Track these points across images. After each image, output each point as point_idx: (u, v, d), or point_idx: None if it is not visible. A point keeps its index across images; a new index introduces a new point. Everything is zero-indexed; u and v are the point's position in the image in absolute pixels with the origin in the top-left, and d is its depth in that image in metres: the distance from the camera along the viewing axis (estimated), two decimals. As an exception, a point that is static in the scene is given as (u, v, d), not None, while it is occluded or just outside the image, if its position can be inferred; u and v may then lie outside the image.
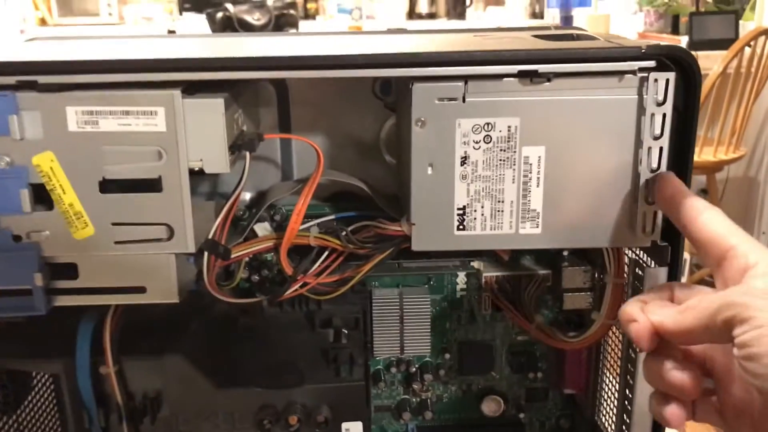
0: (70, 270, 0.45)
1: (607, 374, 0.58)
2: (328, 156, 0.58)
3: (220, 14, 2.44)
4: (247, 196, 0.58)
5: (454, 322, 0.63)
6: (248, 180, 0.58)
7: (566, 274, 0.57)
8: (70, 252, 0.44)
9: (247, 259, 0.58)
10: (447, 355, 0.63)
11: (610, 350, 0.57)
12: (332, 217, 0.55)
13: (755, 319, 0.33)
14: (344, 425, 0.48)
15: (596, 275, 0.57)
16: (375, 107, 0.57)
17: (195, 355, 0.48)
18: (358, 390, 0.48)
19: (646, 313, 0.38)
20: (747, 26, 2.21)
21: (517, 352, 0.63)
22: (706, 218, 0.39)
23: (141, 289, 0.45)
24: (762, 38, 1.89)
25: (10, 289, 0.45)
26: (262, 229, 0.55)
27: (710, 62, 2.00)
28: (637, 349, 0.47)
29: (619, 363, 0.53)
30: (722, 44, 2.00)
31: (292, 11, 2.36)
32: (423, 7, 3.35)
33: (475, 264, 0.59)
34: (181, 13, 2.90)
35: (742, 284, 0.35)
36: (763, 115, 2.22)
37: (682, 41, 2.17)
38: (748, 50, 1.89)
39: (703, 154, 1.96)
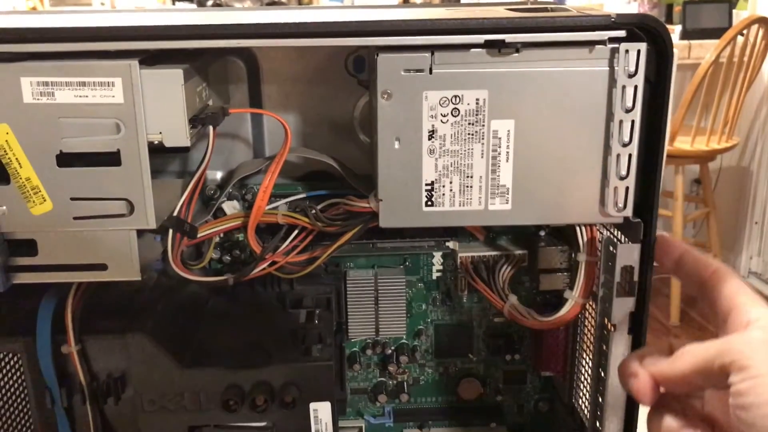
0: (29, 247, 0.44)
1: (584, 356, 0.57)
2: (301, 135, 0.57)
3: (210, 2, 2.42)
4: (218, 174, 0.57)
5: (430, 304, 0.62)
6: (219, 158, 0.57)
7: (542, 254, 0.56)
8: (28, 228, 0.43)
9: (217, 239, 0.57)
10: (423, 338, 0.62)
11: (586, 332, 0.56)
12: (303, 195, 0.54)
13: (752, 369, 0.33)
14: (312, 405, 0.47)
15: (573, 255, 0.56)
16: (349, 85, 0.55)
17: (160, 334, 0.47)
18: (326, 370, 0.47)
19: (645, 366, 0.39)
20: (741, 15, 2.20)
21: (494, 334, 0.62)
22: (717, 277, 0.39)
23: (102, 267, 0.44)
24: (755, 27, 1.88)
25: (-33, 266, 0.44)
26: (231, 207, 0.54)
27: (703, 51, 1.99)
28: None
29: (593, 346, 0.52)
30: (716, 33, 1.99)
31: (283, 0, 2.35)
32: (417, -5, 3.32)
33: (451, 244, 0.58)
34: (174, 3, 2.88)
35: (742, 333, 0.36)
36: (756, 104, 2.21)
37: (676, 30, 2.15)
38: (741, 39, 1.88)
39: (695, 144, 1.95)
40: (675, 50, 0.42)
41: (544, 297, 0.60)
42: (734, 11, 2.22)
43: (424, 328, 0.62)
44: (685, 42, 2.04)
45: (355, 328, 0.59)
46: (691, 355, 0.37)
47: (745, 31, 1.87)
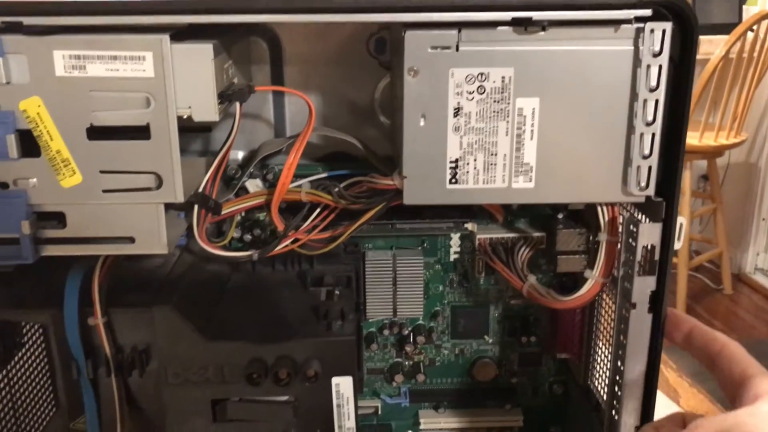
0: (57, 219, 0.45)
1: (601, 339, 0.58)
2: (322, 116, 0.58)
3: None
4: (239, 155, 0.58)
5: (447, 286, 0.62)
6: (241, 139, 0.58)
7: (561, 237, 0.57)
8: (57, 200, 0.44)
9: (239, 218, 0.58)
10: (440, 319, 0.63)
11: (603, 313, 0.56)
12: (324, 175, 0.55)
13: None
14: (334, 380, 0.48)
15: (590, 237, 0.56)
16: (370, 66, 0.56)
17: (185, 308, 0.47)
18: (348, 345, 0.48)
19: None
20: (751, 11, 2.19)
21: (510, 316, 0.63)
22: (727, 353, 0.41)
23: (130, 240, 0.45)
24: (765, 22, 1.88)
25: (-2, 237, 0.44)
26: (254, 185, 0.54)
27: (713, 47, 1.99)
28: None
29: (612, 329, 0.52)
30: (725, 29, 1.98)
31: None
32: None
33: (469, 226, 0.59)
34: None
35: (751, 406, 0.37)
36: (765, 100, 2.21)
37: (685, 25, 2.15)
38: (750, 35, 1.88)
39: (704, 139, 1.95)
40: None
41: (561, 280, 0.60)
42: (744, 7, 2.21)
43: (441, 309, 0.63)
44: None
45: (373, 308, 0.59)
46: (704, 429, 0.38)
47: (755, 27, 1.87)
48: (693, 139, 1.96)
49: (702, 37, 2.06)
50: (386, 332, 0.62)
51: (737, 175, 2.32)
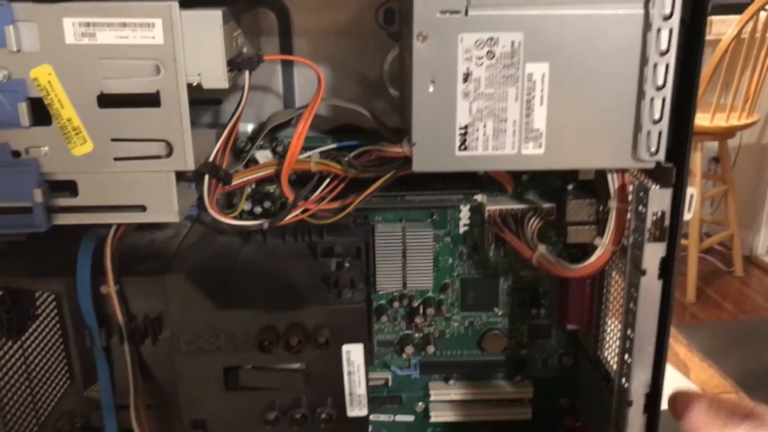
0: (69, 187, 0.45)
1: (611, 309, 0.58)
2: (331, 88, 0.58)
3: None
4: (248, 127, 0.58)
5: (457, 258, 0.62)
6: (250, 111, 0.58)
7: (571, 207, 0.57)
8: (69, 168, 0.44)
9: (249, 190, 0.58)
10: (449, 291, 0.63)
11: (613, 283, 0.56)
12: (333, 146, 0.55)
13: None
14: (345, 347, 0.48)
15: (600, 208, 0.56)
16: (379, 38, 0.56)
17: (197, 277, 0.48)
18: (359, 312, 0.48)
19: None
20: (763, -10, 2.16)
21: (520, 288, 0.63)
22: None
23: (141, 208, 0.45)
24: (778, 1, 1.85)
25: (10, 206, 0.45)
26: (264, 156, 0.55)
27: (725, 27, 1.97)
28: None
29: (621, 298, 0.52)
30: (737, 9, 1.96)
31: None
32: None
33: (479, 197, 0.59)
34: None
35: None
36: (778, 80, 2.18)
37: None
38: (763, 14, 1.86)
39: (715, 120, 1.94)
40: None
41: (571, 251, 0.60)
42: (757, -14, 2.18)
43: (451, 282, 0.63)
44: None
45: (383, 280, 0.60)
46: None
47: (767, 7, 1.84)
48: (704, 120, 1.94)
49: (714, 17, 2.04)
50: (396, 304, 0.63)
51: (749, 156, 2.30)
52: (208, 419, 0.50)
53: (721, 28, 2.00)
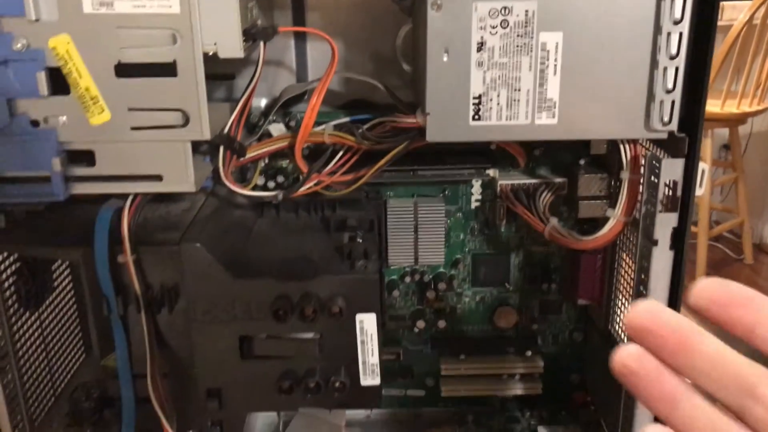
0: (87, 157, 0.46)
1: (621, 283, 0.58)
2: (344, 63, 0.58)
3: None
4: (262, 102, 0.58)
5: (468, 234, 0.63)
6: (263, 86, 0.58)
7: (582, 182, 0.57)
8: (87, 138, 0.45)
9: (262, 164, 0.59)
10: (461, 266, 0.63)
11: (624, 257, 0.57)
12: (347, 119, 0.55)
13: None
14: (358, 316, 0.49)
15: (612, 182, 0.56)
16: (391, 13, 0.56)
17: (212, 247, 0.48)
18: (372, 282, 0.48)
19: None
20: (775, -24, 2.14)
21: (531, 263, 0.63)
22: None
23: (157, 178, 0.46)
24: (791, -14, 1.83)
25: (29, 175, 0.45)
26: (277, 129, 0.55)
27: (736, 12, 1.95)
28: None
29: (632, 272, 0.52)
30: (749, -6, 1.94)
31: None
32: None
33: (491, 172, 0.59)
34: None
35: None
36: (790, 67, 2.17)
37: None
38: (775, -1, 1.84)
39: (726, 107, 1.93)
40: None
41: (582, 227, 0.60)
42: (769, -28, 2.16)
43: (462, 257, 0.63)
44: (718, 3, 2.00)
45: (395, 255, 0.60)
46: None
47: (780, -9, 1.83)
48: (715, 106, 1.93)
49: (725, 3, 2.02)
50: (408, 279, 0.63)
51: (760, 144, 2.28)
52: (223, 388, 0.51)
53: (733, 13, 1.98)
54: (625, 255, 0.57)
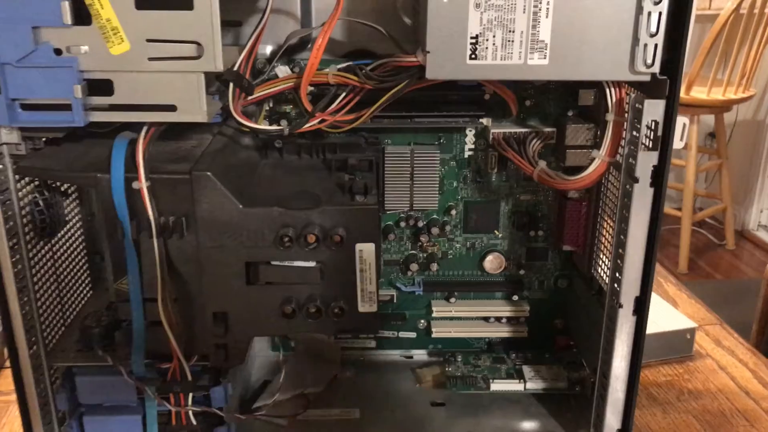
0: (105, 86, 0.48)
1: (605, 227, 0.61)
2: (346, 11, 0.60)
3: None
4: (267, 49, 0.61)
5: (461, 182, 0.66)
6: (268, 34, 0.61)
7: (570, 131, 0.60)
8: (106, 67, 0.47)
9: (267, 108, 0.62)
10: (453, 213, 0.67)
11: (607, 201, 0.60)
12: (350, 63, 0.58)
13: None
14: (358, 246, 0.52)
15: (598, 133, 0.60)
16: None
17: (221, 176, 0.51)
18: (371, 213, 0.51)
19: None
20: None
21: (519, 211, 0.67)
22: None
23: (171, 108, 0.49)
24: (777, -24, 1.88)
25: (51, 102, 0.48)
26: (283, 71, 0.58)
27: (723, 1, 2.00)
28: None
29: (615, 217, 0.56)
30: (737, -16, 1.99)
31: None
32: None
33: (484, 121, 0.62)
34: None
35: None
36: (775, 57, 2.22)
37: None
38: (762, -11, 1.88)
39: (712, 94, 1.97)
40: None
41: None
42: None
43: (455, 204, 0.67)
44: None
45: (391, 200, 0.63)
46: None
47: (767, -19, 1.87)
48: (701, 93, 1.98)
49: (714, -8, 2.06)
50: (402, 224, 0.66)
51: (744, 132, 2.33)
52: (229, 311, 0.53)
53: (720, 2, 2.03)
54: (607, 200, 0.60)
